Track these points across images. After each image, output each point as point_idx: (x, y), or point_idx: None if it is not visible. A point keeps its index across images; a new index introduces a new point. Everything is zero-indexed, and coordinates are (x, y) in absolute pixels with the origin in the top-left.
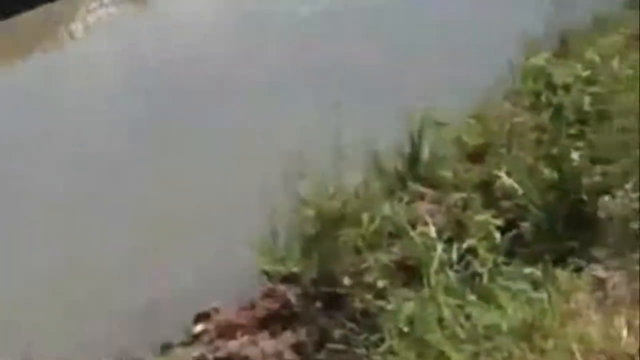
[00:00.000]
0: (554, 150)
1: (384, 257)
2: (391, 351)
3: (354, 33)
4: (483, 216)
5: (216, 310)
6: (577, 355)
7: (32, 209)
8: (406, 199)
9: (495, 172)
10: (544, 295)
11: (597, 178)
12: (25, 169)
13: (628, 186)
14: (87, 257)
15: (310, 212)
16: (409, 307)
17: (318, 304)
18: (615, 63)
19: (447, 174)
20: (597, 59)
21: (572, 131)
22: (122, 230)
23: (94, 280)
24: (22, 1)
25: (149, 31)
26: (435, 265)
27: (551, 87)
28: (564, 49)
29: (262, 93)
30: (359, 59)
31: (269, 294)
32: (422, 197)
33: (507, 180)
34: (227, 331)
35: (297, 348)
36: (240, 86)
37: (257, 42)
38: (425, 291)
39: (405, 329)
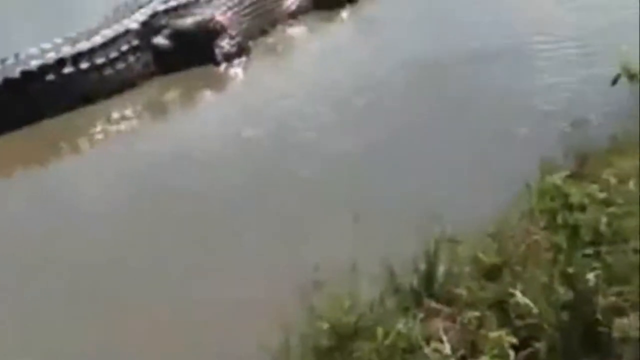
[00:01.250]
0: (570, 270)
1: None
2: None
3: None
4: (497, 334)
5: None
6: None
7: None
8: (421, 315)
9: (511, 290)
10: None
11: (612, 298)
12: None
13: None
14: None
15: (325, 325)
16: None
17: None
18: (631, 185)
19: (462, 291)
20: (613, 180)
21: (588, 251)
22: None
23: None
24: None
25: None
26: None
27: (567, 207)
28: (581, 169)
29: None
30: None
31: None
32: (436, 313)
33: (522, 299)
34: None
35: None
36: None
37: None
38: None
39: None
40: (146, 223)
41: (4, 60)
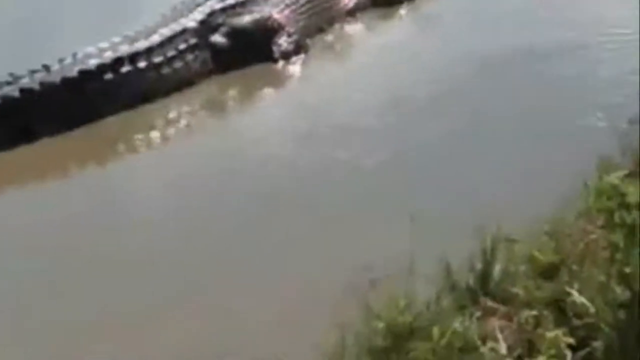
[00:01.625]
0: (627, 269)
1: None
2: None
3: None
4: (554, 334)
5: None
6: None
7: None
8: (477, 314)
9: (567, 289)
10: None
11: None
12: None
13: None
14: None
15: (380, 325)
16: None
17: None
18: None
19: (519, 290)
20: None
21: None
22: None
23: None
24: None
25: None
26: None
27: (625, 206)
28: (639, 168)
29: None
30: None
31: None
32: (493, 312)
33: (579, 298)
34: None
35: None
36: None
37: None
38: None
39: None
40: (205, 222)
41: (61, 60)
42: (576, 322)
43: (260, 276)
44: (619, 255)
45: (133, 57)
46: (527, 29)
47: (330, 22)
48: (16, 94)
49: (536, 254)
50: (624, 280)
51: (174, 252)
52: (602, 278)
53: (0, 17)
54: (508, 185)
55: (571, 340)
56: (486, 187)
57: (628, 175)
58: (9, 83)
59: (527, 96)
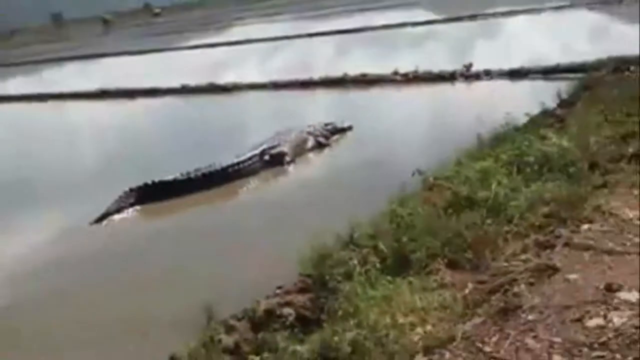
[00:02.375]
0: None
1: None
2: None
3: None
4: None
5: None
6: None
7: None
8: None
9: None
10: None
11: None
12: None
13: None
14: None
15: None
16: None
17: None
18: None
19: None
20: None
21: None
22: None
23: None
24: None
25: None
26: None
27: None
28: None
29: None
30: None
31: None
32: None
33: None
34: None
35: None
36: None
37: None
38: None
39: None
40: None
41: (210, 165)
42: None
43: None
44: None
45: (239, 163)
46: None
47: (303, 153)
48: (200, 174)
49: None
50: None
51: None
52: None
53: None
54: None
55: None
56: None
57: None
58: (197, 170)
59: None
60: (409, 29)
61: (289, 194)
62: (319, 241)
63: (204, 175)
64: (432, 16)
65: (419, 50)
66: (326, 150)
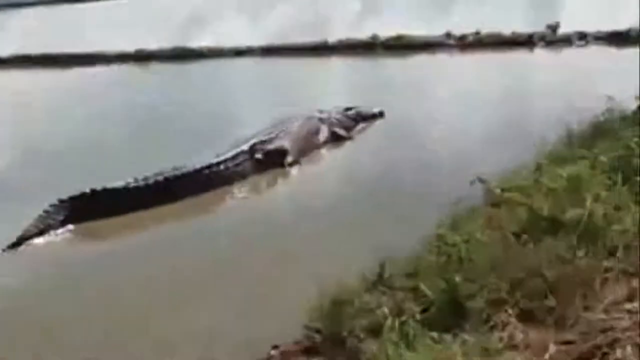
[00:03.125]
0: None
1: None
2: None
3: None
4: None
5: None
6: None
7: None
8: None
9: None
10: None
11: None
12: None
13: None
14: None
15: None
16: None
17: None
18: None
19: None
20: None
21: None
22: None
23: None
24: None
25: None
26: None
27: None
28: None
29: None
30: None
31: None
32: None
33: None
34: None
35: None
36: None
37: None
38: None
39: None
40: None
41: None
42: None
43: None
44: None
45: (218, 163)
46: None
47: (312, 149)
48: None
49: None
50: None
51: None
52: None
53: None
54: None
55: None
56: None
57: None
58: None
59: None
60: None
61: (289, 210)
62: (332, 280)
63: (167, 180)
64: None
65: (484, 5)
66: (346, 146)
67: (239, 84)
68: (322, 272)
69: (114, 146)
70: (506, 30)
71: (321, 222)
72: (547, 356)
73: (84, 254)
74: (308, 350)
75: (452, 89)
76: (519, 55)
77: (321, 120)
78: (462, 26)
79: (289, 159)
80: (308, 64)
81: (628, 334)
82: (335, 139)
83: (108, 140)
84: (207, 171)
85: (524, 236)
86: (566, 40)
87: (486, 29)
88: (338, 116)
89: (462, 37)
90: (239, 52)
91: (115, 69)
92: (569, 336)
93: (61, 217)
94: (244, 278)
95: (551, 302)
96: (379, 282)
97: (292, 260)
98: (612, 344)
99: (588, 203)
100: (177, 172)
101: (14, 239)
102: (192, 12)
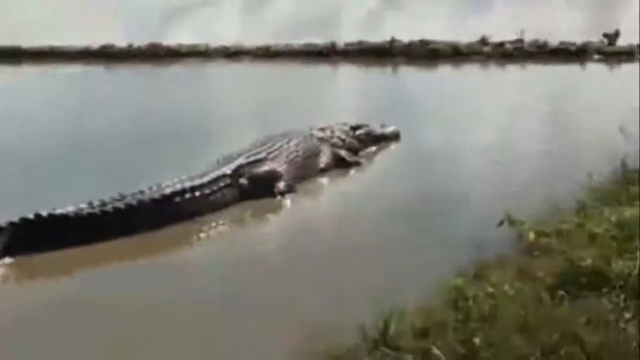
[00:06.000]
0: None
1: None
2: None
3: None
4: None
5: None
6: None
7: None
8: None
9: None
10: None
11: None
12: None
13: None
14: None
15: None
16: None
17: None
18: None
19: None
20: None
21: None
22: None
23: None
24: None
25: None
26: None
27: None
28: None
29: None
30: None
31: None
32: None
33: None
34: None
35: None
36: None
37: None
38: None
39: None
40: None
41: (149, 188)
42: None
43: None
44: None
45: (193, 189)
46: None
47: (310, 175)
48: (122, 206)
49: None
50: None
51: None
52: None
53: None
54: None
55: None
56: None
57: None
58: (118, 200)
59: None
60: None
61: (277, 251)
62: (325, 339)
63: (129, 207)
64: None
65: (528, 5)
66: (352, 173)
67: (226, 91)
68: (314, 323)
69: (63, 164)
70: (553, 37)
71: (318, 265)
72: None
73: (22, 299)
74: None
75: (485, 109)
76: (567, 70)
77: (322, 139)
78: (501, 31)
79: (281, 186)
80: (312, 71)
81: None
82: (339, 164)
83: (57, 155)
84: (178, 198)
85: (561, 292)
86: (626, 54)
87: (529, 35)
88: (343, 136)
89: (500, 45)
90: (227, 53)
91: (76, 68)
92: None
93: None
94: (222, 335)
95: None
96: (383, 341)
97: (280, 307)
98: None
99: None
100: (142, 197)
101: None
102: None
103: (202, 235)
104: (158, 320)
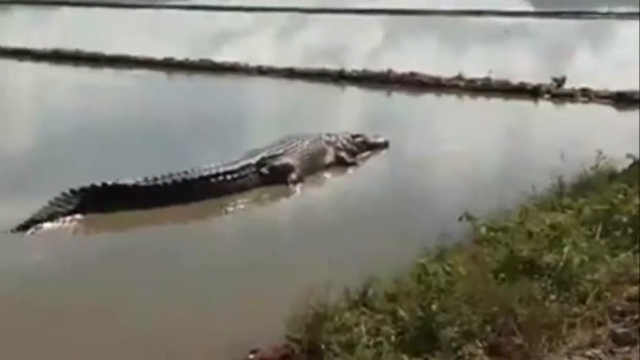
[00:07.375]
0: None
1: None
2: None
3: None
4: None
5: None
6: None
7: None
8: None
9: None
10: None
11: None
12: None
13: None
14: None
15: None
16: None
17: None
18: None
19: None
20: None
21: None
22: None
23: None
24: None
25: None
26: None
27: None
28: None
29: None
30: None
31: None
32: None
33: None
34: None
35: None
36: None
37: None
38: None
39: None
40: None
41: (186, 172)
42: None
43: None
44: None
45: (225, 173)
46: None
47: (316, 170)
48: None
49: None
50: None
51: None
52: None
53: None
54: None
55: None
56: None
57: None
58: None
59: None
60: (486, 19)
61: (287, 226)
62: (318, 295)
63: (175, 183)
64: (523, 6)
65: (496, 50)
66: (349, 171)
67: (257, 100)
68: (311, 283)
69: (127, 146)
70: (514, 78)
71: (318, 238)
72: None
73: (88, 245)
74: (285, 358)
75: (455, 129)
76: (523, 105)
77: (328, 142)
78: (474, 69)
79: (294, 176)
80: (325, 90)
81: None
82: (340, 163)
83: (123, 139)
84: (214, 179)
85: (502, 275)
86: (570, 95)
87: (496, 74)
88: (345, 141)
89: (472, 81)
90: (261, 71)
91: (143, 73)
92: None
93: (71, 207)
94: (240, 282)
95: (519, 339)
96: (362, 301)
97: (285, 268)
98: None
99: (566, 250)
100: (186, 177)
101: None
102: (221, 29)
103: (230, 209)
104: (196, 274)
